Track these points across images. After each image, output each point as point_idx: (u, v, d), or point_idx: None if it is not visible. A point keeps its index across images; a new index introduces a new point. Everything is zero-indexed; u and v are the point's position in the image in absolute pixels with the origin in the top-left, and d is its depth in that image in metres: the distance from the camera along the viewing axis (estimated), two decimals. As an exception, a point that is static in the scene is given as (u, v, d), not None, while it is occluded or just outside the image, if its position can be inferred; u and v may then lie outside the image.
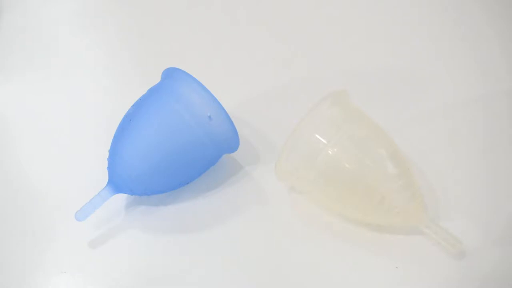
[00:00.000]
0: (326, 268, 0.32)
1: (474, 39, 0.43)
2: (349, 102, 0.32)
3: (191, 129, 0.31)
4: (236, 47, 0.45)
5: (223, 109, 0.31)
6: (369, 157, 0.30)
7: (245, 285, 0.32)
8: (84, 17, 0.47)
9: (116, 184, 0.32)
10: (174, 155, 0.31)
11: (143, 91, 0.33)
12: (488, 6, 0.45)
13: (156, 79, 0.34)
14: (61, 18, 0.46)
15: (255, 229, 0.34)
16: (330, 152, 0.30)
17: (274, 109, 0.40)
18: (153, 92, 0.33)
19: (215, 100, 0.31)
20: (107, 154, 0.32)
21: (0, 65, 0.43)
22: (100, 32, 0.46)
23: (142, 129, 0.31)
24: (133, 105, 0.33)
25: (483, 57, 0.42)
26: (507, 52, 0.42)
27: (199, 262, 0.33)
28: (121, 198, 0.34)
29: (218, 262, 0.32)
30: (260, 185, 0.35)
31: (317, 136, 0.30)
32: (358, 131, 0.31)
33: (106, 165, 0.32)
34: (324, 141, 0.30)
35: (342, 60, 0.43)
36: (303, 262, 0.32)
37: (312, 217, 0.33)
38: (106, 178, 0.32)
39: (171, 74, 0.33)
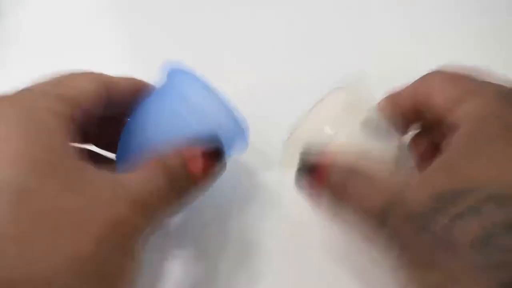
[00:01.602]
0: (330, 266, 0.32)
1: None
2: (358, 93, 0.31)
3: (197, 132, 0.29)
4: (240, 43, 0.45)
5: (231, 110, 0.30)
6: (378, 149, 0.29)
7: (248, 285, 0.32)
8: (84, 17, 0.47)
9: None
10: None
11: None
12: None
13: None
14: (62, 18, 0.46)
15: (259, 227, 0.34)
16: (338, 143, 0.29)
17: (278, 107, 0.39)
18: (158, 94, 0.31)
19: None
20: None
21: (1, 65, 0.43)
22: (101, 31, 0.46)
23: (146, 133, 0.30)
24: (137, 108, 0.32)
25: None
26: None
27: (202, 262, 0.33)
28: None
29: (222, 262, 0.32)
30: (264, 183, 0.36)
31: (326, 126, 0.29)
32: (368, 122, 0.30)
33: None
34: (331, 132, 0.29)
35: (353, 59, 0.42)
36: (306, 261, 0.32)
37: (317, 214, 0.33)
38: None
39: (177, 74, 0.31)
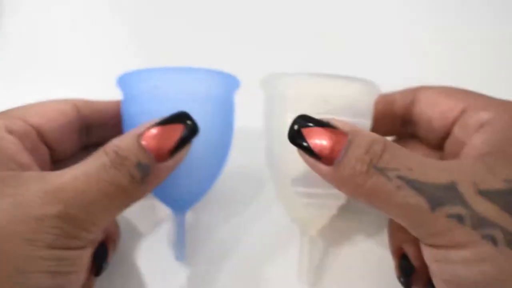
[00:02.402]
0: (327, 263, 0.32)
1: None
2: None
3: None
4: (240, 45, 0.44)
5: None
6: None
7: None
8: (86, 19, 0.46)
9: (182, 207, 0.31)
10: (204, 139, 0.27)
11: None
12: None
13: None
14: (63, 20, 0.46)
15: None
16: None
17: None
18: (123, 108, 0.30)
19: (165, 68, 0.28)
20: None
21: (1, 67, 0.43)
22: (103, 33, 0.46)
23: None
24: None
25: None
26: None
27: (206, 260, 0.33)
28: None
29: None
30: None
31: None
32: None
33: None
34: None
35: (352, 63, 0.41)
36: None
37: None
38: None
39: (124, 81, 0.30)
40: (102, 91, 0.39)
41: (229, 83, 0.30)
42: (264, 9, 0.46)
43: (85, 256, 0.24)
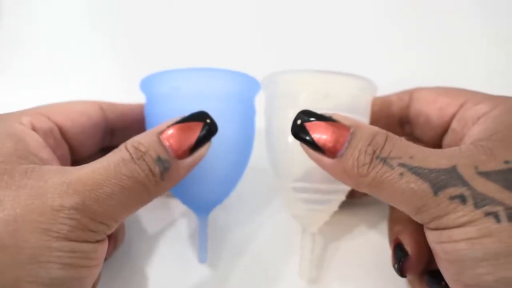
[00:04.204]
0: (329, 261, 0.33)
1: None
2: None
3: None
4: (240, 45, 0.44)
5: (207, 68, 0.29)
6: None
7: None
8: (87, 19, 0.46)
9: (205, 209, 0.31)
10: (225, 139, 0.28)
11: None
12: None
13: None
14: (63, 20, 0.46)
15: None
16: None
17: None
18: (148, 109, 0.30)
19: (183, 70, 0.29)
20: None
21: (1, 67, 0.43)
22: (103, 34, 0.46)
23: None
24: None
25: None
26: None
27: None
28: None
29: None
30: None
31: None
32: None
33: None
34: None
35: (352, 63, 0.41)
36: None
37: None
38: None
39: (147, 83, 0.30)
40: (103, 91, 0.40)
41: (249, 85, 0.30)
42: (263, 9, 0.46)
43: (100, 250, 0.23)
